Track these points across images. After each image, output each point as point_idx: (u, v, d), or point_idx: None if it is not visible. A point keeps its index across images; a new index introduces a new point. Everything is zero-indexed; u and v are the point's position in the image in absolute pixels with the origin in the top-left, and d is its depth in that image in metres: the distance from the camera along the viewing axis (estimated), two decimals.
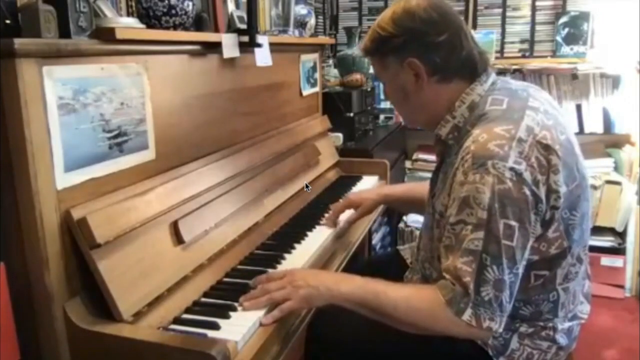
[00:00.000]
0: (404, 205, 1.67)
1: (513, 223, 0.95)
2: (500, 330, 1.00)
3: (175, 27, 1.30)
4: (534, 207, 0.97)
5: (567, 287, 1.09)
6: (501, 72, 2.61)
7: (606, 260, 2.64)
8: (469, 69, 1.11)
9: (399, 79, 1.13)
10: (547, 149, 0.98)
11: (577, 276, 1.10)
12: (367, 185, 2.02)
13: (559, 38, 2.78)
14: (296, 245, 1.41)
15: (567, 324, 1.12)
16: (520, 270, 0.99)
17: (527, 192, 0.96)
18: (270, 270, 1.23)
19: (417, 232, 2.86)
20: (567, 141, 1.04)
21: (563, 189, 0.99)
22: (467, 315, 0.97)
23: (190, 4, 1.32)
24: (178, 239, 1.14)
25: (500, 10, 2.91)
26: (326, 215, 1.61)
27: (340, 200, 1.62)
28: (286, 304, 1.06)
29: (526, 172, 0.96)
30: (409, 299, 1.04)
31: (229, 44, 1.43)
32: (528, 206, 0.96)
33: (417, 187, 1.54)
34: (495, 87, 1.11)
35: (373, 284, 1.06)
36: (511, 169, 0.95)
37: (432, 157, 2.95)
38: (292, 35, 1.97)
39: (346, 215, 1.59)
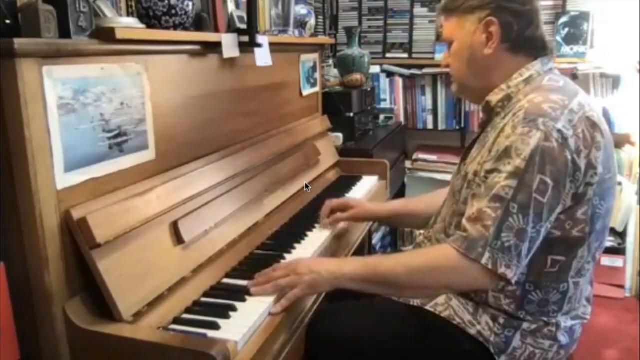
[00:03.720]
0: (401, 220, 1.59)
1: (549, 181, 0.98)
2: (514, 280, 1.01)
3: (175, 27, 1.30)
4: (572, 175, 1.00)
5: (577, 282, 1.11)
6: None
7: (606, 260, 2.63)
8: (537, 47, 1.15)
9: (470, 38, 1.15)
10: (594, 126, 1.03)
11: (587, 274, 1.12)
12: (367, 185, 2.01)
13: (559, 38, 2.77)
14: (296, 245, 1.41)
15: (569, 322, 1.13)
16: (543, 231, 1.01)
17: (569, 157, 0.99)
18: None
19: (418, 232, 2.86)
20: (608, 132, 1.08)
21: (600, 169, 1.03)
22: (485, 258, 0.99)
23: (190, 4, 1.32)
24: (178, 239, 1.14)
25: None
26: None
27: (334, 200, 1.55)
28: (292, 292, 1.08)
29: (571, 139, 1.00)
30: (408, 260, 1.08)
31: (229, 44, 1.43)
32: (567, 170, 0.99)
33: (412, 202, 1.55)
34: (552, 72, 1.16)
35: (373, 258, 1.12)
36: (559, 130, 0.99)
37: (433, 157, 2.95)
38: (292, 35, 1.96)
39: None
